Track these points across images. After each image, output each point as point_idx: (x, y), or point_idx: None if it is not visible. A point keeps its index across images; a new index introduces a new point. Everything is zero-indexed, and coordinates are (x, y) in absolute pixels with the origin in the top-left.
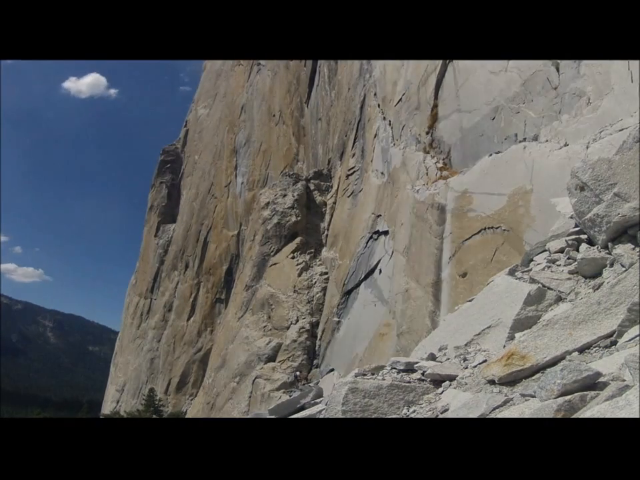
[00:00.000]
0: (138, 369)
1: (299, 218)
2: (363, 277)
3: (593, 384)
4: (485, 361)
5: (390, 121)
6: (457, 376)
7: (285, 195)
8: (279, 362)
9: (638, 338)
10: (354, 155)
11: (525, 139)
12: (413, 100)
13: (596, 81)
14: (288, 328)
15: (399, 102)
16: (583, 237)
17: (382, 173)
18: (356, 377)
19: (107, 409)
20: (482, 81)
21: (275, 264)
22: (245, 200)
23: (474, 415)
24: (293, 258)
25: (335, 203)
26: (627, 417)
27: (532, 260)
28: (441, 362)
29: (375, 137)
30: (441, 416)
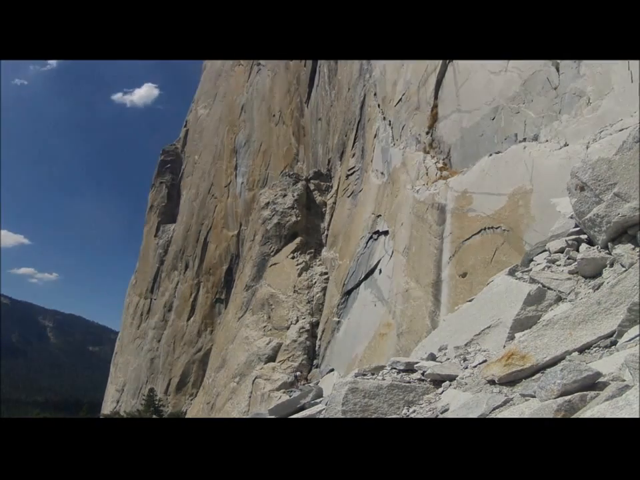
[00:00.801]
0: (138, 369)
1: (298, 218)
2: (362, 277)
3: (592, 384)
4: (485, 361)
5: (390, 121)
6: (457, 376)
7: (285, 195)
8: (279, 362)
9: (638, 338)
10: (354, 154)
11: (525, 139)
12: (413, 100)
13: (596, 81)
14: (288, 328)
15: (398, 102)
16: (583, 236)
17: (382, 173)
18: (356, 377)
19: (107, 409)
20: (482, 81)
21: (275, 264)
22: (245, 200)
23: (474, 415)
24: (293, 258)
25: (334, 203)
26: (627, 417)
27: (532, 260)
28: (441, 362)
29: (374, 137)
30: (441, 416)
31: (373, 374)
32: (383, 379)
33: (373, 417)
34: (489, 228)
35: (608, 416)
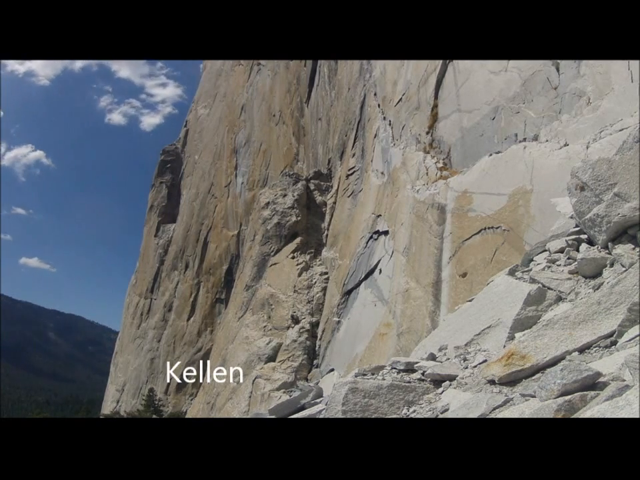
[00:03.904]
0: (138, 368)
1: (299, 218)
2: (362, 277)
3: (592, 384)
4: (485, 361)
5: (390, 121)
6: (457, 376)
7: (285, 195)
8: (279, 362)
9: (638, 338)
10: (354, 154)
11: (525, 139)
12: (413, 100)
13: (596, 80)
14: (288, 328)
15: (399, 102)
16: (583, 236)
17: (382, 173)
18: (356, 376)
19: (106, 409)
20: (482, 81)
21: (275, 264)
22: (245, 200)
23: (474, 415)
24: (293, 258)
25: (335, 202)
26: (627, 417)
27: (532, 260)
28: (441, 362)
29: (375, 136)
30: (441, 416)
31: (373, 374)
32: (383, 379)
33: (373, 417)
34: (489, 228)
35: (608, 416)
